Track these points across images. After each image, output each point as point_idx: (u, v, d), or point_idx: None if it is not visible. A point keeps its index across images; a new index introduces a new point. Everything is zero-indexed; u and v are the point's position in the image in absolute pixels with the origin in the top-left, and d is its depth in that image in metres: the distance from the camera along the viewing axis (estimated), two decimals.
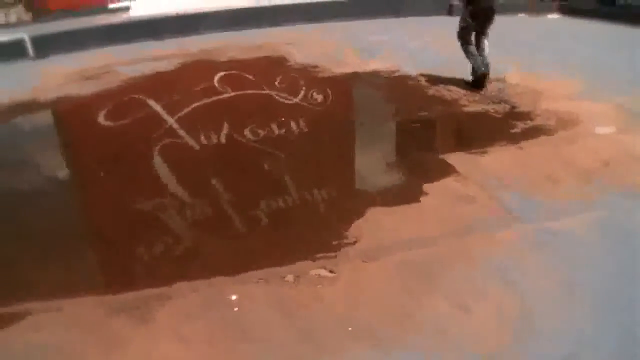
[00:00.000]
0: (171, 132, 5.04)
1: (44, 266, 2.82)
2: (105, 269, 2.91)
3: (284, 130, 4.76)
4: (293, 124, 4.86)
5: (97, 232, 3.34)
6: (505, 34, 9.33)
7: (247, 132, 4.80)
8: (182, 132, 4.99)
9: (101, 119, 5.58)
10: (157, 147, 4.58)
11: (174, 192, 3.64)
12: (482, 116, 4.76)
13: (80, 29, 10.97)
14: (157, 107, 5.81)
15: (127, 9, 19.87)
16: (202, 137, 4.76)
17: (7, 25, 22.74)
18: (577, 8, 11.66)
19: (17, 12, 30.90)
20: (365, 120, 5.09)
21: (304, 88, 5.93)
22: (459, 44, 5.63)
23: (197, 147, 4.59)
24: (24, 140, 5.22)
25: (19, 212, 3.52)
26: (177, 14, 10.74)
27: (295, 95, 5.80)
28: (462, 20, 5.51)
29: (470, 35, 5.51)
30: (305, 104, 5.49)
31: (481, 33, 5.54)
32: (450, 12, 10.98)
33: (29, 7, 29.16)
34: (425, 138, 4.53)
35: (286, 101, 5.71)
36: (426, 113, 4.89)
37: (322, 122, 4.91)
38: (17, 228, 3.30)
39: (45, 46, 9.95)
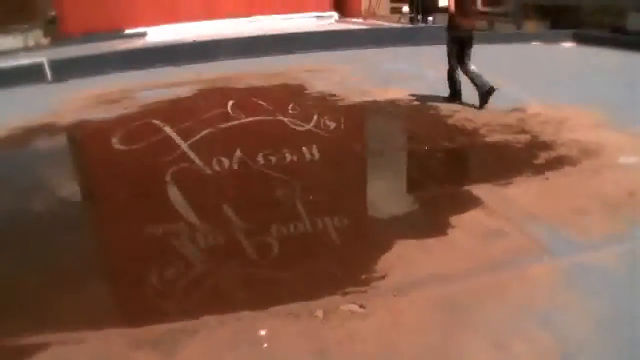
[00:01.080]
0: (184, 157, 5.07)
1: (63, 295, 2.77)
2: (125, 299, 2.86)
3: (296, 157, 4.77)
4: (305, 150, 4.87)
5: (113, 260, 3.31)
6: (522, 62, 9.39)
7: (259, 158, 4.81)
8: (194, 157, 5.02)
9: (116, 142, 5.63)
10: (170, 172, 4.59)
11: (186, 217, 3.62)
12: (505, 146, 4.72)
13: (98, 54, 11.12)
14: (171, 132, 5.85)
15: (143, 34, 20.27)
16: (215, 163, 4.78)
17: (25, 49, 23.20)
18: (591, 36, 11.70)
19: (35, 36, 31.51)
20: (386, 150, 5.07)
21: (316, 115, 5.97)
22: (455, 66, 6.18)
23: (209, 173, 4.59)
24: (41, 164, 5.25)
25: (35, 238, 3.51)
26: (193, 41, 10.89)
27: (308, 121, 5.85)
28: (447, 45, 6.17)
29: (455, 57, 6.10)
30: (318, 130, 5.50)
31: (465, 55, 6.08)
32: None
33: (46, 31, 29.78)
34: (448, 169, 4.49)
35: (299, 128, 5.77)
36: (448, 143, 4.85)
37: (339, 149, 4.90)
38: (34, 255, 3.27)
39: (64, 70, 10.10)
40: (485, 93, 5.86)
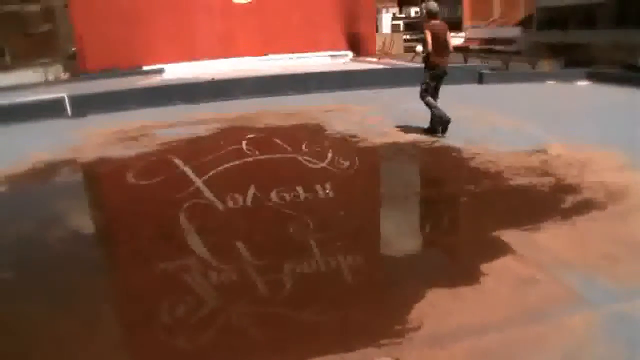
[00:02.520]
0: (198, 193, 5.09)
1: (73, 335, 2.76)
2: (135, 336, 2.84)
3: (310, 194, 4.77)
4: (319, 188, 4.89)
5: (124, 296, 3.33)
6: (539, 102, 9.41)
7: (273, 195, 4.82)
8: (208, 194, 5.04)
9: (131, 177, 5.71)
10: (184, 208, 4.62)
11: (199, 253, 3.64)
12: (530, 190, 4.68)
13: (117, 91, 11.30)
14: (185, 168, 5.92)
15: (161, 71, 20.67)
16: (228, 199, 4.79)
17: (45, 83, 23.70)
18: (605, 74, 11.76)
19: (55, 71, 32.20)
20: (408, 192, 5.05)
21: (338, 156, 6.01)
22: (423, 100, 6.74)
23: (223, 209, 4.60)
24: (62, 200, 5.30)
25: (48, 273, 3.55)
26: (212, 79, 11.06)
27: (322, 159, 5.89)
28: (424, 83, 6.65)
29: (429, 93, 6.66)
30: (332, 168, 5.53)
31: (437, 90, 6.75)
32: (480, 80, 11.17)
33: (66, 66, 30.42)
34: (474, 213, 4.44)
35: (313, 165, 5.80)
36: (472, 186, 4.82)
37: (359, 190, 4.90)
38: (48, 292, 3.27)
39: (84, 106, 10.28)
40: (445, 123, 6.54)
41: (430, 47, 6.31)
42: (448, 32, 6.48)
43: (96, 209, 5.15)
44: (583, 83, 11.85)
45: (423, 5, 6.63)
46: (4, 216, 4.86)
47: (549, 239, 3.68)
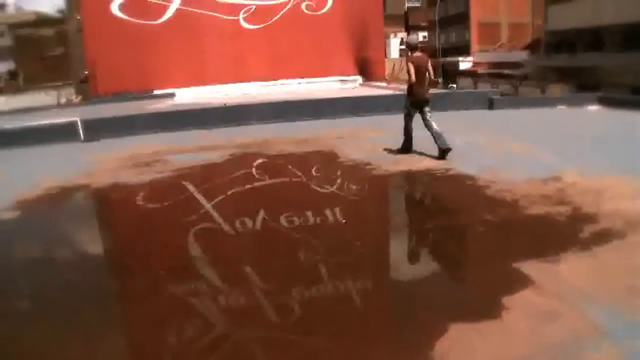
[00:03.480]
0: (207, 217, 5.11)
1: None
2: None
3: (319, 219, 4.74)
4: (329, 213, 4.86)
5: (131, 319, 3.33)
6: (551, 127, 9.39)
7: (282, 219, 4.80)
8: (217, 217, 5.06)
9: (142, 202, 5.76)
10: (192, 231, 4.63)
11: (207, 277, 3.66)
12: (547, 219, 4.63)
13: (130, 115, 11.41)
14: (195, 192, 5.91)
15: (172, 95, 20.87)
16: (238, 223, 4.79)
17: (58, 106, 24.00)
18: (615, 99, 11.75)
19: (67, 94, 32.60)
20: (424, 221, 5.01)
21: (340, 179, 5.99)
22: (410, 126, 7.15)
23: (232, 233, 4.61)
24: (75, 226, 5.33)
25: (56, 295, 3.60)
26: (225, 104, 11.16)
27: (332, 184, 5.85)
28: (405, 108, 7.07)
29: (412, 118, 7.06)
30: (342, 193, 5.51)
31: (423, 116, 7.01)
32: (491, 105, 11.19)
33: (79, 90, 30.85)
34: (492, 243, 4.36)
35: (322, 190, 5.77)
36: (489, 216, 4.77)
37: (377, 219, 4.87)
38: (55, 314, 3.31)
39: (97, 130, 10.38)
40: (445, 150, 6.75)
41: (413, 78, 6.76)
42: (429, 63, 6.97)
43: (108, 235, 5.17)
44: (594, 107, 11.82)
45: (405, 39, 6.96)
46: (16, 243, 4.86)
47: (570, 270, 3.62)
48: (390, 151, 7.38)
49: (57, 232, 5.14)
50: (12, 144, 9.77)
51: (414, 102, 6.95)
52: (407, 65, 6.89)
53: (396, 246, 4.49)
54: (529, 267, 3.63)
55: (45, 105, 26.31)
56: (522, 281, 3.45)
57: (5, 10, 70.99)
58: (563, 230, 4.39)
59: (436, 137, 6.83)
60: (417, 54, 7.03)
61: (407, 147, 7.19)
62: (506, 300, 3.21)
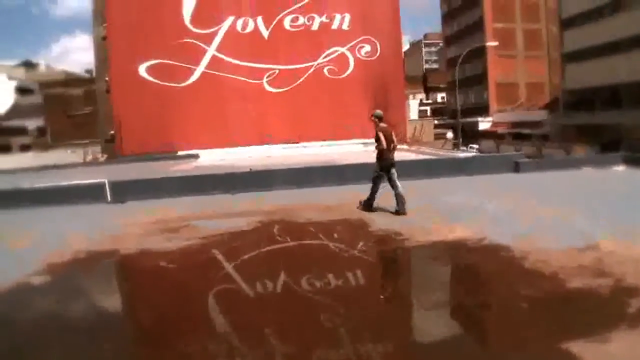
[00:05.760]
0: (228, 278, 5.09)
1: None
2: None
3: (341, 281, 4.68)
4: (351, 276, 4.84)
5: None
6: (579, 191, 9.26)
7: (303, 282, 4.75)
8: (238, 279, 5.03)
9: (169, 268, 5.78)
10: (213, 292, 4.62)
11: (227, 338, 3.65)
12: (589, 293, 4.45)
13: (157, 179, 11.51)
14: (217, 253, 5.85)
15: (196, 156, 21.24)
16: (259, 285, 4.76)
17: (83, 164, 24.53)
18: None
19: (93, 152, 33.46)
20: (459, 296, 4.87)
21: (371, 250, 6.01)
22: (377, 187, 7.97)
23: (253, 295, 4.60)
24: (102, 294, 5.32)
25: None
26: (250, 169, 11.26)
27: (363, 255, 5.76)
28: (375, 172, 7.95)
29: (381, 180, 7.91)
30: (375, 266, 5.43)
31: (390, 177, 7.85)
32: (517, 169, 11.13)
33: (104, 149, 31.66)
34: (536, 321, 4.16)
35: (345, 253, 5.67)
36: (530, 291, 4.58)
37: (409, 290, 4.75)
38: None
39: (124, 192, 10.51)
40: (401, 213, 7.62)
41: (384, 145, 7.75)
42: (393, 133, 8.08)
43: (138, 305, 5.12)
44: (620, 168, 11.71)
45: (373, 113, 8.12)
46: (46, 308, 4.84)
47: (622, 350, 3.46)
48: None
49: (87, 301, 5.10)
50: (42, 202, 9.99)
51: (384, 166, 7.84)
52: (378, 134, 7.83)
53: (431, 321, 4.33)
54: (580, 347, 3.47)
55: (71, 163, 27.00)
56: None
57: (36, 69, 74.23)
58: (608, 306, 4.22)
59: (398, 199, 7.68)
60: (384, 125, 7.99)
61: (370, 204, 8.01)
62: None
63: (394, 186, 7.80)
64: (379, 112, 8.15)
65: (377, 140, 7.83)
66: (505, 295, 4.72)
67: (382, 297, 4.74)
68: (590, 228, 6.30)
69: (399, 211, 7.65)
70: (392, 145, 7.92)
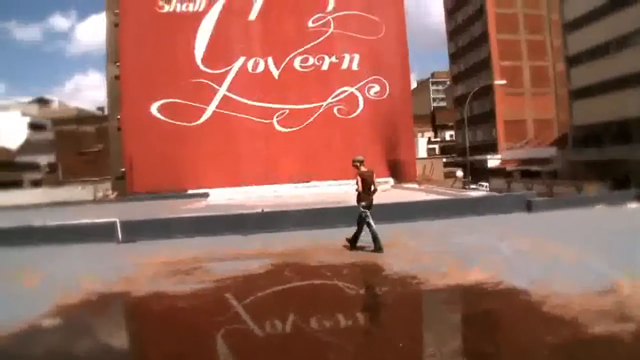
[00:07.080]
0: (237, 318, 5.04)
1: None
2: None
3: (350, 322, 4.67)
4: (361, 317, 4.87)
5: None
6: (593, 230, 9.15)
7: (313, 321, 4.72)
8: (247, 319, 4.99)
9: (182, 313, 5.66)
10: (221, 332, 4.58)
11: None
12: (613, 339, 4.32)
13: (168, 219, 11.50)
14: (239, 306, 5.77)
15: (205, 195, 21.28)
16: (268, 325, 4.72)
17: (93, 202, 24.62)
18: None
19: (103, 190, 33.59)
20: (479, 343, 4.75)
21: (387, 295, 5.96)
22: (363, 223, 8.30)
23: (262, 335, 4.54)
24: (114, 339, 5.27)
25: None
26: (262, 210, 11.25)
27: (381, 301, 5.75)
28: (362, 211, 8.27)
29: (368, 218, 8.22)
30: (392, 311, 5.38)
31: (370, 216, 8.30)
32: (529, 208, 11.05)
33: (114, 186, 31.88)
34: None
35: (354, 292, 5.55)
36: (551, 337, 4.46)
37: (429, 336, 4.63)
38: None
39: (134, 231, 10.52)
40: (378, 250, 8.01)
41: (361, 188, 8.27)
42: (374, 176, 8.48)
43: (151, 351, 5.04)
44: (633, 205, 11.61)
45: (354, 159, 8.50)
46: (55, 350, 4.83)
47: None
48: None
49: (96, 344, 5.04)
50: (53, 240, 10.03)
51: (367, 206, 8.28)
52: (357, 178, 8.35)
53: None
54: None
55: (81, 200, 27.09)
56: None
57: (49, 106, 75.42)
58: (634, 353, 4.11)
59: (374, 237, 8.09)
60: (364, 169, 8.42)
61: (355, 240, 8.44)
62: None
63: (369, 225, 8.21)
64: (359, 157, 8.60)
65: (356, 183, 8.40)
66: (526, 341, 4.60)
67: (400, 345, 4.61)
68: (606, 268, 6.21)
69: (377, 247, 8.04)
70: (371, 188, 8.37)
